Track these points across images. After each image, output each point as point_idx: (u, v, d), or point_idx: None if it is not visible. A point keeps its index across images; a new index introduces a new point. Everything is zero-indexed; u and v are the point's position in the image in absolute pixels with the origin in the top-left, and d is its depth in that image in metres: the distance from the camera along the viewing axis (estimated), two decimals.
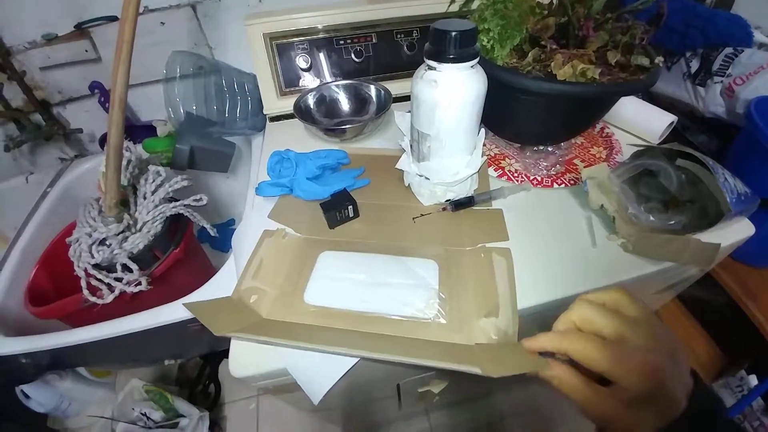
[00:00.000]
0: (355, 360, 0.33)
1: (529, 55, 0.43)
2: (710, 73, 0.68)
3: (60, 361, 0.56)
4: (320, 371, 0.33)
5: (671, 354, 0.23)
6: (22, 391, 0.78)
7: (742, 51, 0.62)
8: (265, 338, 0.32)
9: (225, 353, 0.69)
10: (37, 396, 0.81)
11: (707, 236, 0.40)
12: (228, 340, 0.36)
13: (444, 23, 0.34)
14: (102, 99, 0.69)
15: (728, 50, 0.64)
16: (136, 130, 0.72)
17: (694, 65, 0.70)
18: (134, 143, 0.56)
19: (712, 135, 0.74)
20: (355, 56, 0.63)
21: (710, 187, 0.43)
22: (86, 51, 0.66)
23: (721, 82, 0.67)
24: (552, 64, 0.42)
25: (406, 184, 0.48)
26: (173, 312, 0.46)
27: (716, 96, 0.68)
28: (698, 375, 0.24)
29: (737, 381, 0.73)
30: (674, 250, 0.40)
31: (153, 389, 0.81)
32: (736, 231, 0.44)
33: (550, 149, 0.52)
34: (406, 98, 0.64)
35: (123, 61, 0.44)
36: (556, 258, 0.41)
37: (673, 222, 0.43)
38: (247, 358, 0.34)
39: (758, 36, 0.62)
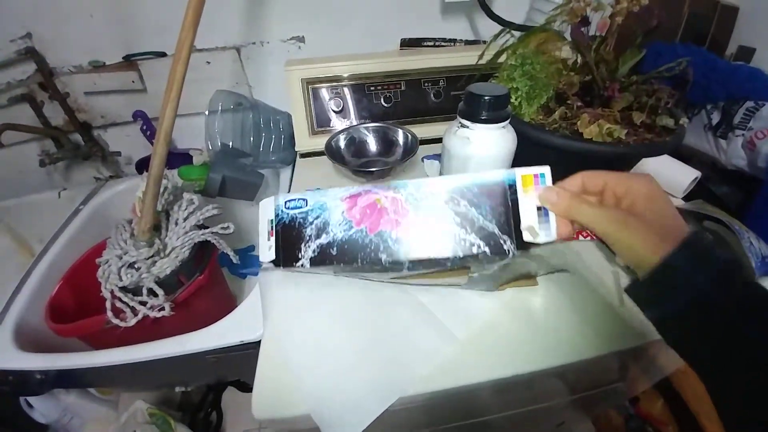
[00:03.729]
0: (381, 410, 0.33)
1: (556, 113, 0.45)
2: (731, 126, 0.68)
3: (73, 381, 0.57)
4: (345, 420, 0.33)
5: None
6: (26, 400, 0.78)
7: (764, 105, 0.62)
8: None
9: (230, 382, 0.67)
10: (41, 407, 0.80)
11: None
12: (236, 371, 0.36)
13: (478, 87, 0.37)
14: (144, 127, 0.73)
15: (749, 104, 0.64)
16: (174, 157, 0.75)
17: (715, 118, 0.71)
18: (170, 169, 0.59)
19: (734, 187, 0.74)
20: (384, 101, 0.66)
21: (736, 250, 0.42)
22: (133, 81, 0.70)
23: (743, 135, 0.66)
24: (578, 122, 0.44)
25: None
26: (193, 343, 0.46)
27: (738, 149, 0.68)
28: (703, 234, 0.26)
29: None
30: None
31: (157, 413, 0.80)
32: None
33: None
34: (431, 141, 0.68)
35: (172, 99, 0.47)
36: (582, 315, 0.41)
37: None
38: (270, 401, 0.34)
39: None
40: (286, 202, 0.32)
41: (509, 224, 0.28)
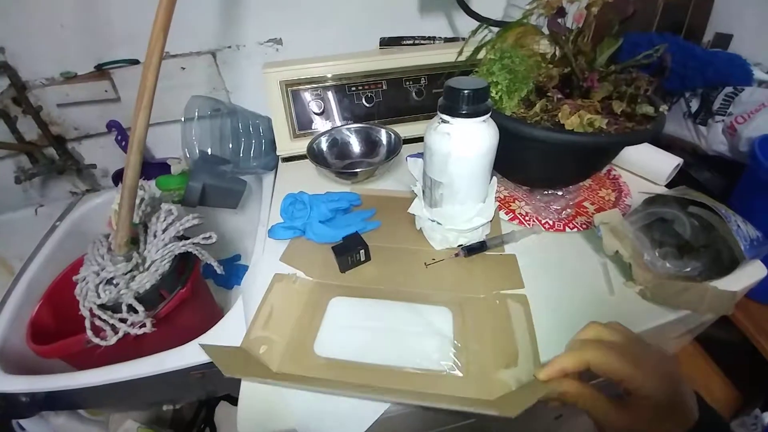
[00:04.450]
0: (370, 423, 0.32)
1: (537, 105, 0.45)
2: (711, 113, 0.68)
3: (59, 403, 0.55)
4: None
5: (676, 365, 0.25)
6: (18, 423, 0.76)
7: (743, 90, 0.62)
8: (273, 381, 0.32)
9: (222, 396, 0.64)
10: (32, 429, 0.78)
11: (722, 282, 0.40)
12: (226, 386, 0.35)
13: (457, 81, 0.36)
14: (119, 137, 0.71)
15: (728, 89, 0.64)
16: (151, 167, 0.73)
17: (694, 105, 0.72)
18: (148, 180, 0.57)
19: (716, 172, 0.75)
20: (366, 101, 0.65)
21: (723, 234, 0.43)
22: (106, 91, 0.68)
23: (723, 121, 0.67)
24: (559, 114, 0.44)
25: (418, 228, 0.49)
26: (176, 359, 0.45)
27: (718, 134, 0.69)
28: (700, 395, 0.25)
29: (752, 419, 0.70)
30: (692, 298, 0.39)
31: None
32: (749, 274, 0.44)
33: (559, 193, 0.52)
34: (414, 140, 0.67)
35: (144, 107, 0.45)
36: (573, 306, 0.40)
37: (689, 269, 0.43)
38: (256, 418, 0.33)
39: (758, 73, 0.63)
40: None
41: None
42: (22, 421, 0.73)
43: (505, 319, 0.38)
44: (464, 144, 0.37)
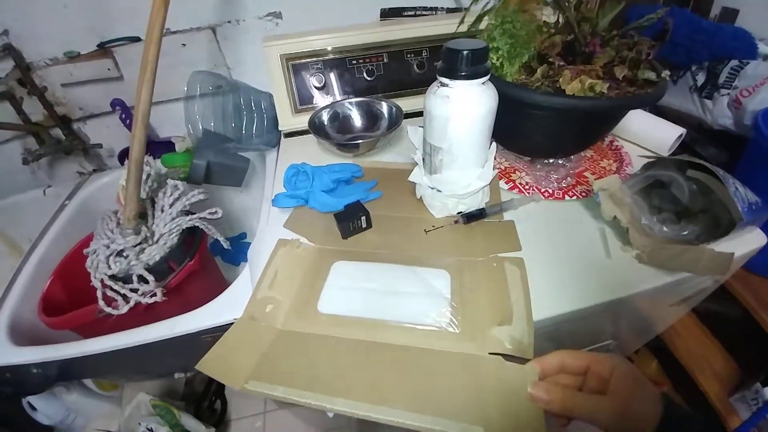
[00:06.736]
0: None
1: (538, 71, 0.45)
2: (717, 86, 0.68)
3: (71, 372, 0.56)
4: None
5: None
6: (28, 402, 0.78)
7: (748, 63, 0.62)
8: (281, 388, 0.31)
9: None
10: (44, 408, 0.80)
11: (720, 246, 0.40)
12: None
13: (456, 43, 0.36)
14: (123, 116, 0.72)
15: (734, 63, 0.64)
16: (156, 146, 0.74)
17: (701, 78, 0.71)
18: (154, 158, 0.58)
19: (721, 147, 0.74)
20: (367, 75, 0.65)
21: (722, 197, 0.43)
22: (108, 69, 0.69)
23: (728, 94, 0.67)
24: (560, 79, 0.43)
25: (418, 197, 0.49)
26: (187, 323, 0.46)
27: (723, 108, 0.68)
28: (671, 398, 0.27)
29: (752, 394, 0.71)
30: (689, 260, 0.40)
31: (160, 404, 0.80)
32: (748, 241, 0.44)
33: (560, 162, 0.52)
34: (416, 114, 0.67)
35: (147, 81, 0.46)
36: (571, 269, 0.41)
37: (686, 232, 0.43)
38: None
39: (763, 48, 0.63)
40: None
41: None
42: (34, 401, 0.76)
43: (501, 280, 0.39)
44: (464, 107, 0.37)
